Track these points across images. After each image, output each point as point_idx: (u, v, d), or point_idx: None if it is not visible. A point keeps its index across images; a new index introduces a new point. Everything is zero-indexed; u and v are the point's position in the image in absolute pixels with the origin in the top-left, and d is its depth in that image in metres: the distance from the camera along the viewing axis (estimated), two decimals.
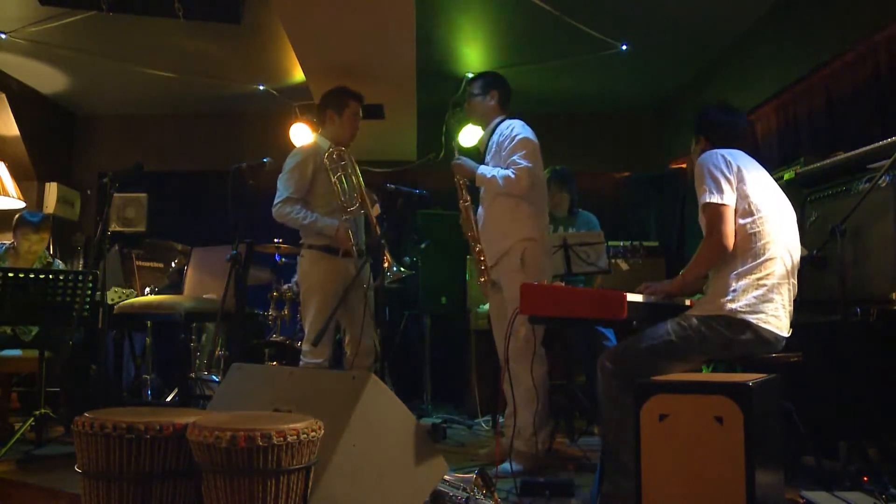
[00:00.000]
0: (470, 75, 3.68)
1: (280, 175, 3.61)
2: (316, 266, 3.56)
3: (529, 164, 3.27)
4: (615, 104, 6.45)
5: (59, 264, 4.42)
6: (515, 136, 3.35)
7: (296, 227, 3.58)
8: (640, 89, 6.11)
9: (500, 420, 3.58)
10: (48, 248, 5.84)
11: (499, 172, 3.31)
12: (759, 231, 2.45)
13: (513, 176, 3.25)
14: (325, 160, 3.55)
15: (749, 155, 2.63)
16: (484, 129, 3.64)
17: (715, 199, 2.43)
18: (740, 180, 2.48)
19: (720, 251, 2.43)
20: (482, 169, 3.39)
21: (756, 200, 2.48)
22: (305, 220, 3.52)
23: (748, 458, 1.86)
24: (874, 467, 2.61)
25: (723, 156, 2.52)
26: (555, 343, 4.38)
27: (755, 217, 2.46)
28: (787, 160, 3.75)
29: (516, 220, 3.33)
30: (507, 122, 3.47)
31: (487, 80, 3.61)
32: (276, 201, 3.56)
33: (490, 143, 3.51)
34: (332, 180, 3.54)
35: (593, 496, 2.53)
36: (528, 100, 6.10)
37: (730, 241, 2.42)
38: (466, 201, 3.54)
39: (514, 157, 3.28)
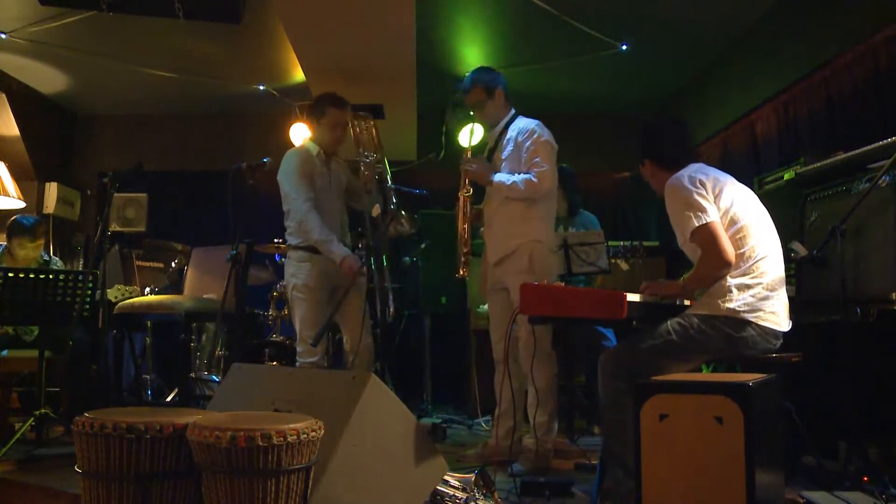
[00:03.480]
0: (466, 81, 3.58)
1: (287, 176, 3.50)
2: (300, 267, 3.51)
3: (551, 168, 3.31)
4: (615, 104, 6.44)
5: (57, 261, 4.38)
6: (538, 138, 3.36)
7: (306, 235, 3.45)
8: (640, 89, 6.10)
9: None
10: (48, 248, 5.88)
11: (518, 177, 3.31)
12: (746, 236, 2.49)
13: (535, 180, 3.27)
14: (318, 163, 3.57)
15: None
16: (492, 126, 3.55)
17: (702, 221, 2.45)
18: (716, 195, 2.52)
19: (724, 267, 2.45)
20: (499, 176, 3.36)
21: (736, 209, 2.51)
22: (320, 236, 3.41)
23: (748, 458, 1.86)
24: (874, 467, 2.61)
25: (689, 177, 2.55)
26: (555, 343, 4.38)
27: (739, 225, 2.49)
28: (787, 160, 3.75)
29: (526, 221, 3.34)
30: (525, 122, 3.44)
31: (487, 81, 3.50)
32: (300, 205, 3.44)
33: (505, 140, 3.46)
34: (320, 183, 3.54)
35: (593, 496, 2.53)
36: (528, 100, 6.09)
37: (731, 254, 2.44)
38: (468, 192, 3.48)
39: (537, 160, 3.31)
